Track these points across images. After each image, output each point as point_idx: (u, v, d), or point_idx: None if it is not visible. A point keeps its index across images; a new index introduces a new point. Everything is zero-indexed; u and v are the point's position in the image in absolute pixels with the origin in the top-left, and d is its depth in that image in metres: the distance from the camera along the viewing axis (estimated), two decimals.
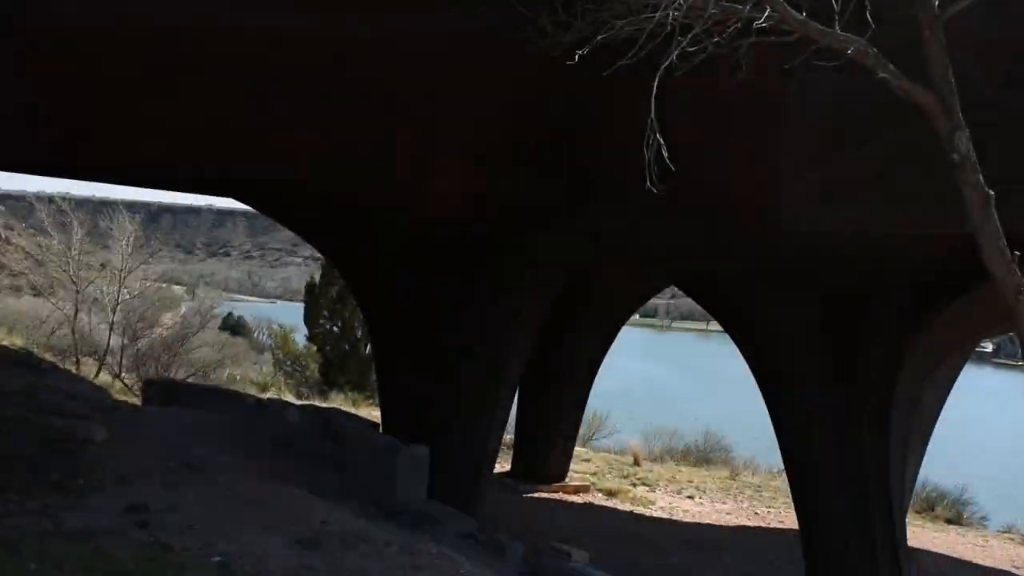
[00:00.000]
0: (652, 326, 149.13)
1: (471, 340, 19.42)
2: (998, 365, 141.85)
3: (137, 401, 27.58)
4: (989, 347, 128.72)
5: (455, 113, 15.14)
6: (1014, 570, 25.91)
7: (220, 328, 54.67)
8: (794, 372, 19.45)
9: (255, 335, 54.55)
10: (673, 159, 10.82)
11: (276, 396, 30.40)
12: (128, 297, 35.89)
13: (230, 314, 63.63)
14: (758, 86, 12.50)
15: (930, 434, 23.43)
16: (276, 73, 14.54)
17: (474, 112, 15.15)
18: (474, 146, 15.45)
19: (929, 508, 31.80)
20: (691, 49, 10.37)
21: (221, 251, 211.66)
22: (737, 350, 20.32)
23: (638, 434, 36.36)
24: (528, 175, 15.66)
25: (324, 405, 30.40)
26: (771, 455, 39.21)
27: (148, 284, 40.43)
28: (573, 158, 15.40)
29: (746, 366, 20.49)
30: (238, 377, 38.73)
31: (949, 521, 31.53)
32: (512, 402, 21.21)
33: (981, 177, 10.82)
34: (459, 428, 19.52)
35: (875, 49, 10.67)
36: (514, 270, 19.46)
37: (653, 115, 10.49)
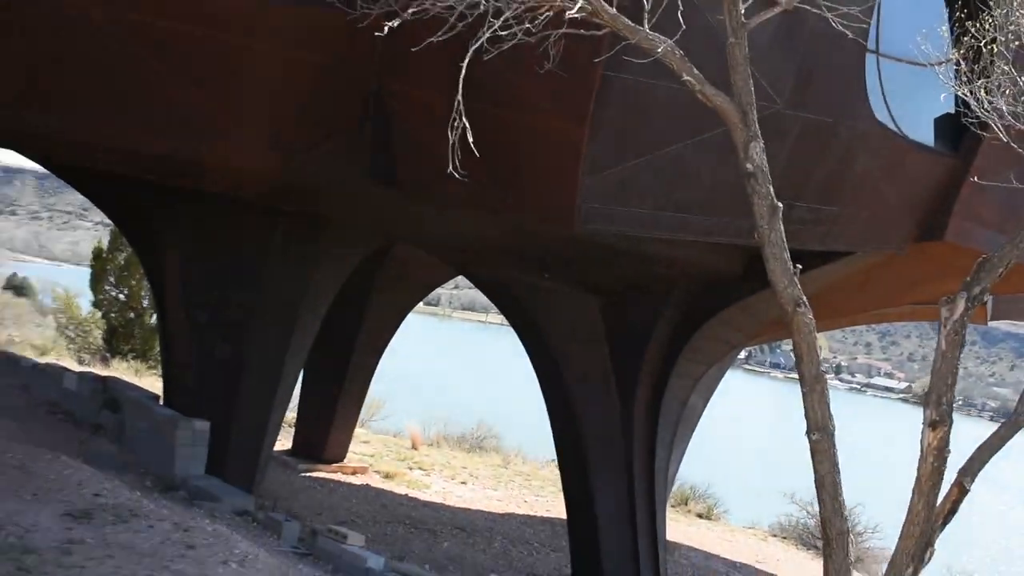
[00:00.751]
0: (435, 314, 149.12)
1: (258, 313, 18.40)
2: (748, 371, 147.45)
3: None
4: (742, 354, 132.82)
5: (257, 82, 14.04)
6: (756, 564, 26.25)
7: (3, 288, 51.74)
8: (572, 368, 19.04)
9: (39, 297, 52.24)
10: (476, 147, 10.13)
11: (56, 361, 28.63)
12: None
13: (14, 274, 61.37)
14: (564, 81, 11.89)
15: (692, 434, 23.31)
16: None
17: (278, 80, 14.06)
18: (273, 121, 14.31)
19: (683, 503, 32.10)
20: (502, 33, 9.67)
21: (8, 209, 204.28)
22: (511, 343, 19.86)
23: (416, 419, 35.76)
24: (329, 154, 14.68)
25: (105, 373, 29.01)
26: (541, 446, 39.48)
27: None
28: (378, 139, 14.48)
29: (521, 358, 20.16)
30: (17, 339, 36.69)
31: (700, 516, 31.83)
32: (297, 379, 20.15)
33: (771, 188, 10.51)
34: (242, 403, 18.45)
35: (681, 52, 10.20)
36: (306, 246, 18.50)
37: (460, 96, 9.80)
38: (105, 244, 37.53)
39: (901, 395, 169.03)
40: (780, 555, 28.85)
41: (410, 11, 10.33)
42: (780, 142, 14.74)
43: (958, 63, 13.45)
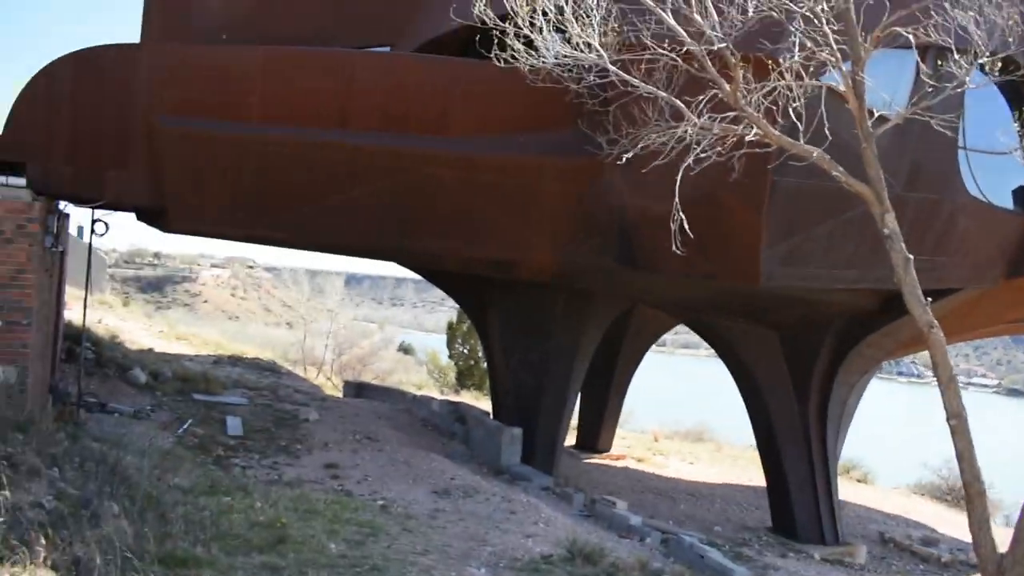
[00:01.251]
0: (663, 351, 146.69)
1: (551, 356, 18.33)
2: (879, 378, 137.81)
3: (339, 394, 27.15)
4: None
5: (542, 207, 14.04)
6: (905, 515, 23.94)
7: (397, 350, 54.70)
8: (762, 381, 18.01)
9: (418, 355, 55.29)
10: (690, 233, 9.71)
11: (426, 393, 29.50)
12: (337, 327, 35.95)
13: (403, 341, 64.87)
14: (747, 185, 11.29)
15: (850, 423, 21.56)
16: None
17: (555, 205, 14.02)
18: (553, 231, 14.25)
19: (846, 472, 29.78)
20: (703, 155, 9.24)
21: (398, 302, 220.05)
22: (716, 367, 18.96)
23: (656, 420, 34.89)
24: (590, 250, 14.46)
25: (456, 399, 29.66)
26: (740, 435, 37.81)
27: (355, 321, 40.20)
28: (623, 236, 14.15)
29: (724, 376, 19.26)
30: (403, 381, 38.27)
31: (858, 480, 29.41)
32: (577, 397, 19.92)
33: (903, 245, 9.53)
34: (543, 414, 18.33)
35: (829, 156, 9.45)
36: (580, 309, 18.34)
37: (676, 201, 9.38)
38: (454, 319, 38.84)
39: (994, 390, 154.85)
40: (921, 507, 26.20)
41: (639, 146, 9.98)
42: (901, 215, 13.55)
43: None
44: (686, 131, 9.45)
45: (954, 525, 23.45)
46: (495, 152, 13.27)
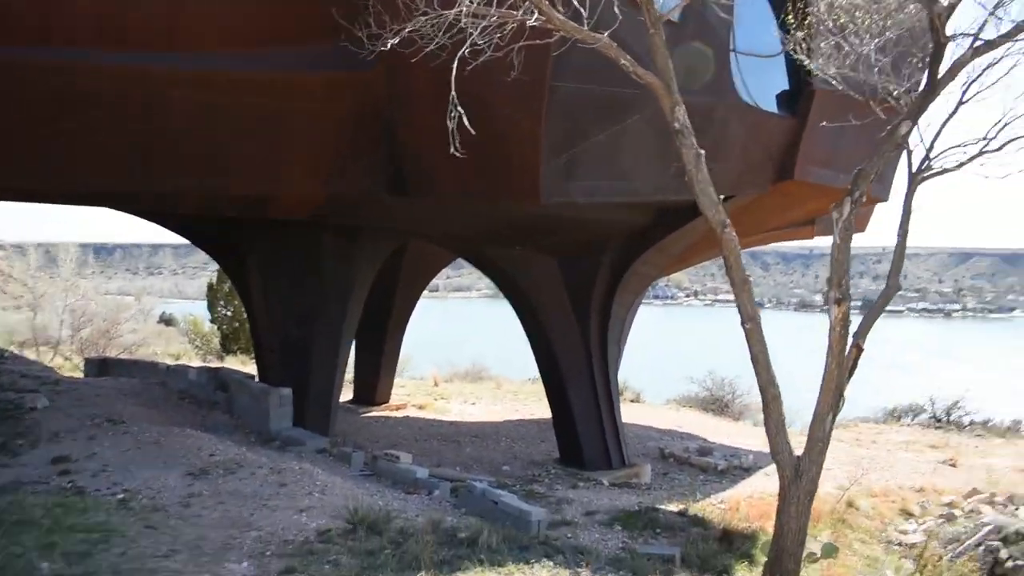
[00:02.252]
0: (435, 297, 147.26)
1: (319, 302, 16.34)
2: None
3: (80, 375, 23.62)
4: None
5: (297, 132, 11.98)
6: (678, 427, 24.46)
7: (157, 322, 51.64)
8: (543, 307, 17.16)
9: (181, 325, 51.29)
10: (462, 150, 8.30)
11: (185, 362, 26.49)
12: (75, 302, 31.43)
13: (163, 312, 60.81)
14: (523, 87, 9.98)
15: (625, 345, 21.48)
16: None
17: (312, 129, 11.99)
18: (317, 154, 12.25)
19: (620, 393, 30.30)
20: (480, 44, 7.73)
21: (156, 271, 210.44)
22: (487, 307, 17.89)
23: (432, 365, 33.89)
24: (356, 177, 12.66)
25: (218, 366, 26.96)
26: (517, 371, 37.78)
27: (107, 296, 38.28)
28: (392, 159, 12.48)
29: (492, 316, 18.30)
30: (158, 353, 34.60)
31: (632, 400, 30.04)
32: (350, 349, 18.08)
33: (694, 140, 8.63)
34: (315, 370, 16.44)
35: (615, 44, 8.28)
36: (350, 246, 16.46)
37: (454, 93, 7.85)
38: (214, 280, 36.32)
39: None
40: (692, 418, 27.09)
41: (407, 30, 8.29)
42: None
43: (794, 48, 11.70)
44: (458, 18, 7.88)
45: (723, 433, 24.39)
46: (236, 68, 11.04)
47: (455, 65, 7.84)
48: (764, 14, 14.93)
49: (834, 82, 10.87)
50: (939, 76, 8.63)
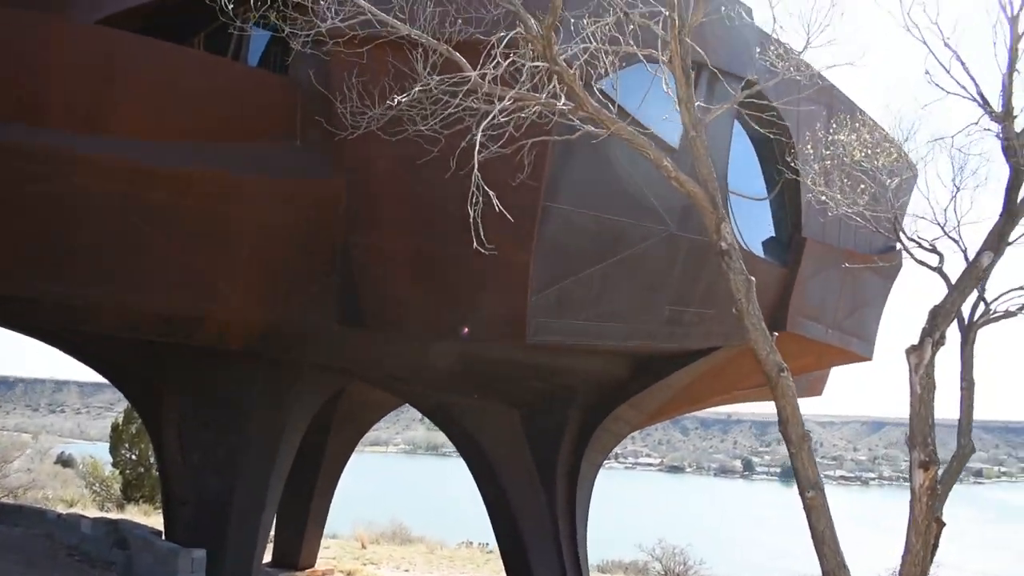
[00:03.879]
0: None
1: (245, 450, 13.97)
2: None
3: None
4: None
5: (238, 245, 10.18)
6: None
7: (54, 463, 47.01)
8: (503, 468, 15.13)
9: (80, 467, 47.09)
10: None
11: (80, 511, 23.12)
12: None
13: (62, 452, 56.23)
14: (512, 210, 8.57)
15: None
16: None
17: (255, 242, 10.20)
18: (260, 273, 10.41)
19: None
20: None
21: (58, 408, 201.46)
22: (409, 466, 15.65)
23: (353, 523, 30.74)
24: (304, 304, 10.84)
25: (118, 516, 23.67)
26: (448, 532, 34.77)
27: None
28: (346, 287, 10.74)
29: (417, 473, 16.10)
30: (50, 497, 30.72)
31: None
32: (277, 502, 15.47)
33: (743, 264, 7.21)
34: (235, 528, 13.85)
35: (654, 143, 6.96)
36: (286, 387, 14.24)
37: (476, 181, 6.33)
38: (120, 420, 33.27)
39: (658, 468, 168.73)
40: None
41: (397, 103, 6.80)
42: (674, 259, 11.68)
43: (812, 180, 10.78)
44: (468, 99, 6.49)
45: None
46: (173, 163, 9.36)
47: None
48: (750, 157, 14.20)
49: (857, 218, 9.78)
50: (1018, 202, 7.53)
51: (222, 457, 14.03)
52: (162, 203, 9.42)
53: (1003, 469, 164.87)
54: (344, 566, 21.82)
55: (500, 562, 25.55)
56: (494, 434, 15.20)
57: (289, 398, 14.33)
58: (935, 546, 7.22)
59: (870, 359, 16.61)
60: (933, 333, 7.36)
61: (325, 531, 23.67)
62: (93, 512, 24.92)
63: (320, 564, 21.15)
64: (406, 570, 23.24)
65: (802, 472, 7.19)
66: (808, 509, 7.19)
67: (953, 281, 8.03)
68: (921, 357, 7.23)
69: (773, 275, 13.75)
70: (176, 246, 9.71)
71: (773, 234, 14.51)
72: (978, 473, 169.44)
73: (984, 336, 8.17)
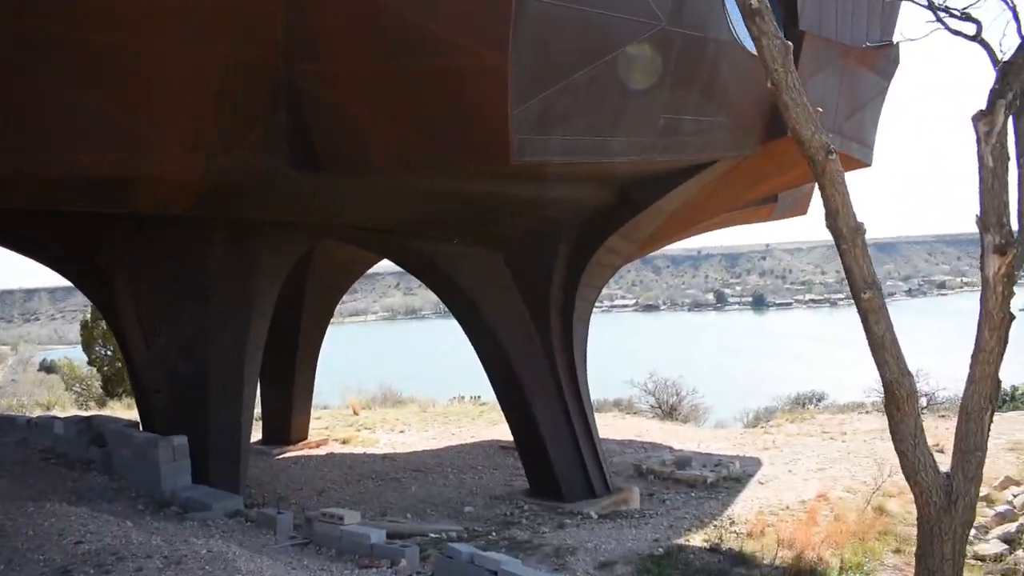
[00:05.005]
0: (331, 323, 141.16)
1: (212, 326, 12.71)
2: None
3: None
4: None
5: (164, 83, 8.51)
6: (637, 437, 21.87)
7: (39, 370, 48.49)
8: (493, 313, 14.07)
9: (63, 371, 46.60)
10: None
11: (57, 413, 22.09)
12: None
13: (44, 359, 56.77)
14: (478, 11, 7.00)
15: None
16: None
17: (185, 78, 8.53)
18: (193, 116, 8.78)
19: None
20: None
21: (32, 317, 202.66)
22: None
23: (344, 391, 30.10)
24: (249, 150, 9.29)
25: (102, 414, 22.69)
26: (439, 390, 34.39)
27: None
28: (296, 126, 9.20)
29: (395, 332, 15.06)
30: (26, 403, 29.63)
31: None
32: (257, 375, 14.36)
33: (776, 25, 5.79)
34: (215, 409, 12.81)
35: None
36: (246, 251, 12.85)
37: None
38: (88, 318, 31.55)
39: (633, 308, 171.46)
40: (644, 425, 24.48)
41: None
42: (667, 57, 10.16)
43: None
44: None
45: (684, 438, 21.86)
46: None
47: None
48: None
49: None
50: None
51: (189, 336, 12.81)
52: (63, 36, 7.70)
53: (965, 279, 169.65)
54: (338, 435, 21.20)
55: (494, 413, 25.32)
56: (479, 279, 14.03)
57: (252, 263, 12.98)
58: (1003, 344, 6.23)
59: (870, 165, 15.42)
60: (1005, 94, 6.08)
61: (315, 403, 23.03)
62: (77, 412, 23.95)
63: (313, 435, 20.49)
64: (402, 431, 22.73)
65: (856, 271, 6.07)
66: (864, 312, 6.12)
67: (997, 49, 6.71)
68: (992, 123, 5.98)
69: None
70: (88, 89, 8.05)
71: None
72: (942, 285, 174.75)
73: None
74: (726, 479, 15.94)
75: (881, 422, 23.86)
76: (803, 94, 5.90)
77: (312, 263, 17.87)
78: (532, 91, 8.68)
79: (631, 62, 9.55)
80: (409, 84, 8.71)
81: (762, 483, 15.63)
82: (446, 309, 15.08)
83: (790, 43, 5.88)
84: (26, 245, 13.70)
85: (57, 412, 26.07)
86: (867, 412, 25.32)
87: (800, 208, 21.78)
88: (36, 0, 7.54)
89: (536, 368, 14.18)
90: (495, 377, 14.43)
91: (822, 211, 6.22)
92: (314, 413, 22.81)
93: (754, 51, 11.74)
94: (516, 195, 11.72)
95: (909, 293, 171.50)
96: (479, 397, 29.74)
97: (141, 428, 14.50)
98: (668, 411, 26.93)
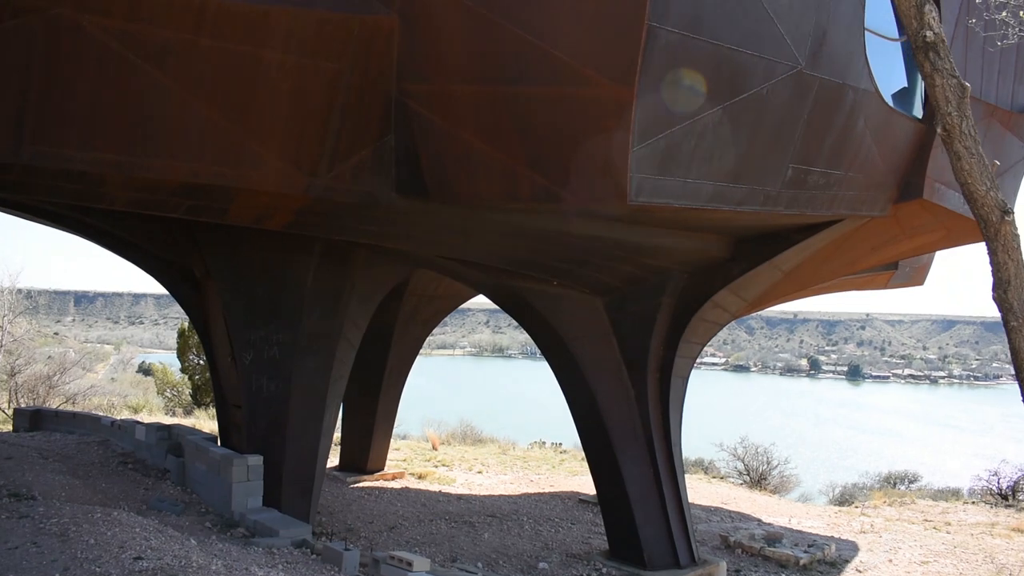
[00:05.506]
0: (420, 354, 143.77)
1: (302, 346, 12.44)
2: None
3: (7, 428, 19.66)
4: None
5: (272, 95, 8.27)
6: (723, 505, 20.69)
7: (137, 371, 50.41)
8: (587, 361, 13.36)
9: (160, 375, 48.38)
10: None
11: (142, 417, 22.39)
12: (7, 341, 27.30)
13: (143, 361, 60.29)
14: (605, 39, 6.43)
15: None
16: None
17: (293, 92, 8.27)
18: (299, 132, 8.51)
19: None
20: None
21: (137, 320, 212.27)
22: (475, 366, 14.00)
23: (423, 425, 29.76)
24: (355, 171, 8.96)
25: (180, 421, 22.91)
26: (519, 432, 33.75)
27: (87, 344, 34.19)
28: (404, 150, 8.85)
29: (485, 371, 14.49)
30: (114, 404, 30.39)
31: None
32: (340, 403, 14.01)
33: (953, 63, 5.02)
34: (293, 433, 12.47)
35: None
36: (342, 273, 12.56)
37: None
38: (187, 325, 31.61)
39: (723, 367, 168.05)
40: (731, 492, 23.19)
41: None
42: (802, 104, 9.42)
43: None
44: None
45: (774, 511, 20.58)
46: None
47: None
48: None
49: None
50: None
51: (275, 355, 12.56)
52: (170, 42, 7.54)
53: None
54: (415, 468, 20.72)
55: (575, 462, 24.47)
56: (576, 324, 13.39)
57: (345, 287, 12.68)
58: None
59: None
60: None
61: (395, 433, 22.68)
62: (164, 419, 24.28)
63: (390, 467, 20.06)
64: (479, 471, 22.09)
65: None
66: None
67: None
68: None
69: (908, 131, 11.37)
70: (190, 96, 7.86)
71: (905, 84, 12.05)
72: None
73: None
74: (820, 562, 14.70)
75: (988, 516, 22.03)
76: (978, 143, 5.11)
77: (406, 294, 17.56)
78: (655, 129, 8.07)
79: (763, 105, 8.85)
80: (524, 112, 8.23)
81: (860, 572, 14.33)
82: (534, 350, 14.58)
83: (968, 84, 5.11)
84: (132, 251, 13.79)
85: (143, 416, 26.54)
86: (972, 503, 23.37)
87: (917, 278, 20.37)
88: (147, 3, 7.38)
89: (627, 422, 13.39)
90: (583, 426, 13.69)
91: (926, 287, 5.41)
92: (392, 443, 22.45)
93: (894, 105, 11.01)
94: (624, 241, 11.09)
95: None
96: (560, 444, 28.92)
97: (219, 442, 14.36)
98: (757, 479, 25.48)
